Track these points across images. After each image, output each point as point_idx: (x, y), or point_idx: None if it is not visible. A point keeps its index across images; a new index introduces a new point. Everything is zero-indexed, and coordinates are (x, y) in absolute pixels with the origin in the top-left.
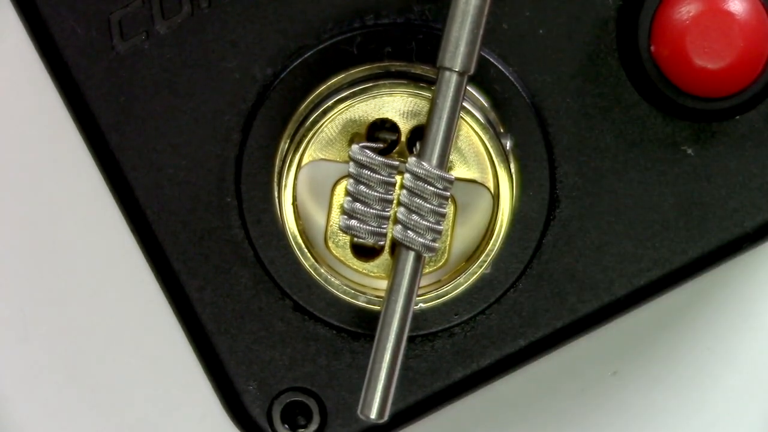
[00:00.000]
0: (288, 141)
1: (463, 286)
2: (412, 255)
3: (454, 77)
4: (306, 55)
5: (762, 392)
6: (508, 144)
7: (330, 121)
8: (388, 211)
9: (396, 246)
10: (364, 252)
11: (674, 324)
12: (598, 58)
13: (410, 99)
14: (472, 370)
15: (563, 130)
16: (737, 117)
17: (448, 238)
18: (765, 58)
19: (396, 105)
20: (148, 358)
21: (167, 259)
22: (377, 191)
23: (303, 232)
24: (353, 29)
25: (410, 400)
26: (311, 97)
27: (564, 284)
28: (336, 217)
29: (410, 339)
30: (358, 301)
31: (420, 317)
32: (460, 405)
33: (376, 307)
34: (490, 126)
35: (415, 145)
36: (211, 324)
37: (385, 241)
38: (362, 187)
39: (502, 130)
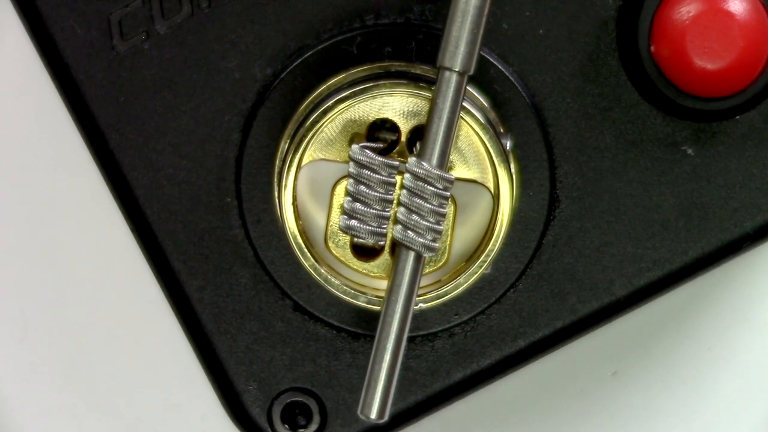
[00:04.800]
0: (288, 141)
1: (463, 286)
2: (412, 255)
3: (454, 77)
4: (306, 55)
5: (762, 392)
6: (508, 144)
7: (330, 121)
8: (388, 211)
9: (396, 246)
10: (364, 252)
11: (674, 324)
12: (598, 58)
13: (410, 99)
14: (472, 370)
15: (563, 130)
16: (737, 117)
17: (448, 238)
18: (765, 58)
19: (396, 105)
20: (148, 358)
21: (167, 259)
22: (377, 191)
23: (303, 232)
24: (353, 29)
25: (410, 400)
26: (311, 97)
27: (564, 284)
28: (336, 217)
29: (410, 339)
30: (358, 301)
31: (420, 317)
32: (460, 405)
33: (376, 307)
34: (490, 126)
35: (415, 145)
36: (211, 324)
37: (385, 241)
38: (362, 187)
39: (502, 130)
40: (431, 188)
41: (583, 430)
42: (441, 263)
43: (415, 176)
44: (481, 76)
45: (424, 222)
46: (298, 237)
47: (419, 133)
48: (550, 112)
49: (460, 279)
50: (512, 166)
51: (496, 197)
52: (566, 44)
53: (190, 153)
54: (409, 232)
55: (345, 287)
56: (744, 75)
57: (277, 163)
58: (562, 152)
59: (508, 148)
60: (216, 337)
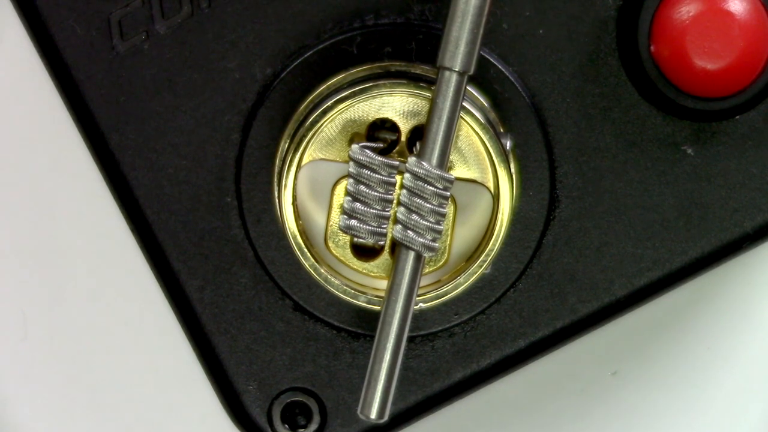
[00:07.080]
0: (288, 141)
1: (463, 286)
2: (412, 255)
3: (454, 77)
4: (306, 55)
5: (762, 392)
6: (508, 144)
7: (330, 121)
8: (388, 211)
9: (396, 246)
10: (364, 252)
11: (674, 324)
12: (598, 58)
13: (410, 99)
14: (472, 370)
15: (563, 130)
16: (737, 117)
17: (448, 238)
18: (765, 58)
19: (396, 105)
20: (148, 358)
21: (167, 259)
22: (377, 191)
23: (303, 232)
24: (353, 29)
25: (410, 400)
26: (311, 97)
27: (564, 284)
28: (336, 217)
29: (410, 339)
30: (358, 301)
31: (420, 317)
32: (460, 405)
33: (376, 307)
34: (490, 126)
35: (415, 145)
36: (211, 324)
37: (385, 241)
38: (362, 187)
39: (502, 130)
40: (431, 188)
41: (583, 430)
42: (441, 263)
43: (415, 176)
44: (481, 76)
45: (424, 222)
46: (298, 237)
47: (419, 133)
48: (550, 112)
49: (460, 279)
50: (512, 166)
51: (496, 197)
52: (566, 44)
53: (190, 153)
54: (409, 231)
55: (345, 287)
56: (744, 75)
57: (277, 163)
58: (562, 152)
59: (508, 148)
60: (216, 337)
